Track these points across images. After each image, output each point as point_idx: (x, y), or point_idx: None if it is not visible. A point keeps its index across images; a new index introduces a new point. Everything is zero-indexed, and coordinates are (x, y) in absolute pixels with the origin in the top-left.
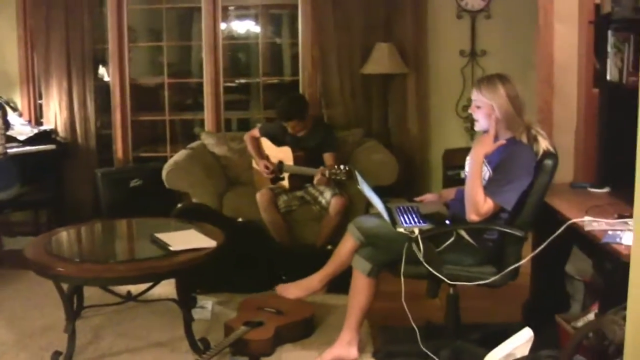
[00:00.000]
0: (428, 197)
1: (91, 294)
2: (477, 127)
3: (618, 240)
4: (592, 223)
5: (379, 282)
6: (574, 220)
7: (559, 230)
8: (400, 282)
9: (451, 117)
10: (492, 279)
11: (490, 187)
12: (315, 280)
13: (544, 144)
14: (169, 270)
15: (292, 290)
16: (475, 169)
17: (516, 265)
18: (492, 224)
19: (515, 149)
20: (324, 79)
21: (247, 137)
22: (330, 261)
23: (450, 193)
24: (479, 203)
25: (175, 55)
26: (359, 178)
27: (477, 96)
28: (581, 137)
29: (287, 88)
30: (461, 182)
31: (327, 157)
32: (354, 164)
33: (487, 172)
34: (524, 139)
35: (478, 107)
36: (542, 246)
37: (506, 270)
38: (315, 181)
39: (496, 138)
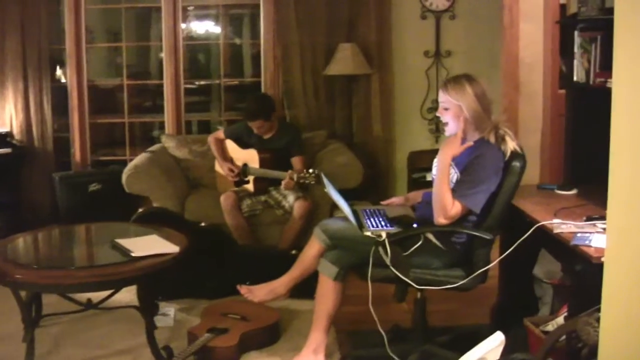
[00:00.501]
0: (394, 200)
1: (50, 301)
2: (448, 131)
3: (587, 242)
4: (560, 225)
5: (345, 286)
6: (543, 222)
7: (528, 233)
8: (368, 286)
9: (416, 118)
10: (461, 282)
11: (458, 190)
12: (280, 284)
13: (511, 145)
14: (130, 277)
15: (256, 294)
16: (443, 172)
17: (485, 268)
18: (460, 227)
19: (483, 150)
20: (287, 80)
21: (211, 138)
22: (296, 265)
23: (417, 196)
24: (447, 206)
25: (134, 56)
26: (326, 181)
27: (444, 97)
28: (547, 138)
29: (248, 89)
30: (427, 184)
31: (296, 161)
32: (318, 167)
33: (454, 174)
34: (492, 139)
35: (446, 109)
36: (511, 249)
37: (475, 274)
38: (283, 185)
39: (464, 139)
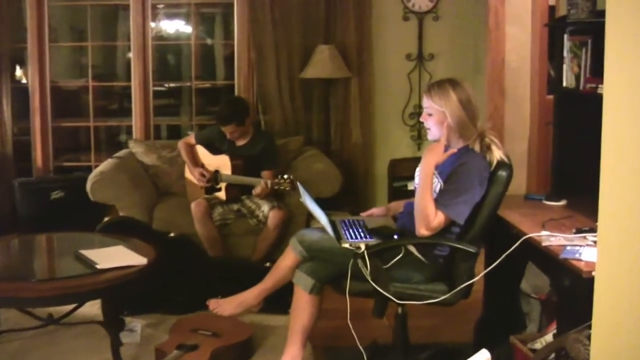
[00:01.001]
0: (375, 211)
1: (8, 316)
2: (430, 136)
3: (577, 255)
4: (549, 238)
5: (322, 300)
6: (530, 235)
7: (514, 246)
8: (346, 300)
9: (397, 125)
10: (443, 297)
11: (441, 200)
12: (250, 295)
13: (497, 154)
14: (94, 290)
15: (225, 307)
16: (426, 181)
17: (468, 282)
18: (443, 239)
19: (467, 158)
20: (261, 83)
21: (181, 144)
22: (269, 276)
23: (399, 206)
24: (429, 217)
25: (100, 56)
26: (302, 190)
27: (427, 103)
28: (535, 146)
29: (220, 93)
30: (408, 194)
31: (266, 175)
32: (294, 174)
33: (437, 183)
34: (477, 147)
35: (429, 115)
36: (496, 262)
37: (458, 289)
38: (255, 191)
39: (448, 147)
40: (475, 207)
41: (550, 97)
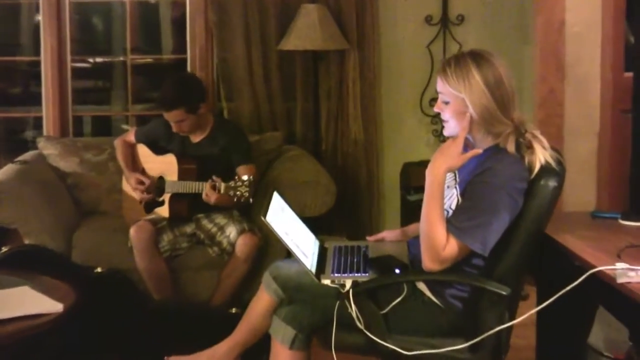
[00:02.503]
0: (387, 235)
1: None
2: (447, 131)
3: None
4: (627, 272)
5: (309, 356)
6: (600, 268)
7: (575, 283)
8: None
9: (413, 115)
10: (465, 357)
11: (454, 221)
12: (220, 352)
13: (541, 155)
14: None
15: None
16: (433, 194)
17: (489, 333)
18: (459, 275)
19: (493, 162)
20: (224, 57)
21: (118, 142)
22: (241, 326)
23: (418, 229)
24: (437, 245)
25: None
26: (276, 204)
27: (442, 87)
28: (607, 145)
29: (167, 70)
30: None
31: (243, 171)
32: (272, 185)
33: (455, 197)
34: (511, 147)
35: (445, 103)
36: (545, 304)
37: (475, 340)
38: (204, 195)
39: (469, 146)
40: (508, 229)
41: (629, 74)
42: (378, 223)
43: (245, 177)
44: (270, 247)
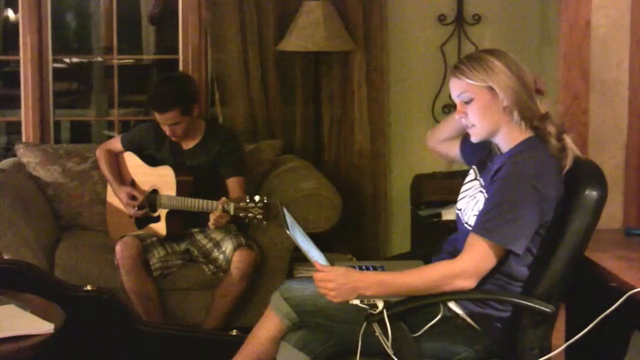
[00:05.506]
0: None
1: None
2: (476, 136)
3: None
4: None
5: None
6: (637, 289)
7: (614, 307)
8: None
9: (424, 122)
10: None
11: (480, 223)
12: None
13: (572, 151)
14: None
15: None
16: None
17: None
18: (501, 294)
19: (516, 158)
20: (219, 59)
21: (100, 152)
22: (243, 352)
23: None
24: (449, 274)
25: None
26: (288, 219)
27: (461, 85)
28: (636, 156)
29: (155, 72)
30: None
31: (233, 185)
32: (275, 197)
33: (480, 193)
34: (551, 128)
35: (468, 103)
36: (585, 331)
37: None
38: (211, 222)
39: (494, 153)
40: (548, 245)
41: None
42: (386, 241)
43: (257, 198)
44: (267, 265)
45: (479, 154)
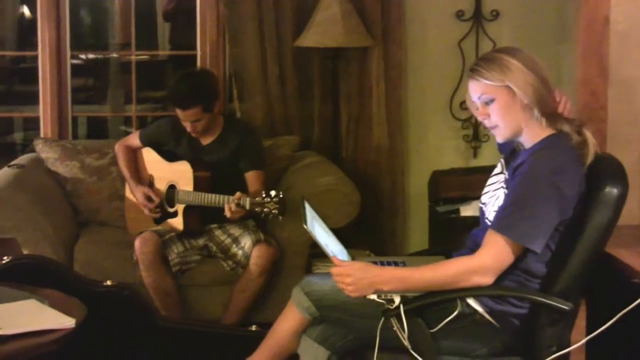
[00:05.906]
0: None
1: None
2: (501, 136)
3: None
4: None
5: None
6: None
7: (635, 303)
8: None
9: (442, 119)
10: None
11: (497, 219)
12: None
13: (593, 145)
14: None
15: None
16: (405, 284)
17: (557, 354)
18: (519, 291)
19: (536, 155)
20: (236, 55)
21: (119, 147)
22: (264, 346)
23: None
24: (466, 270)
25: None
26: (309, 212)
27: (480, 86)
28: None
29: (173, 68)
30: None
31: (252, 179)
32: (294, 192)
33: (502, 189)
34: (566, 128)
35: (488, 103)
36: (606, 326)
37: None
38: (226, 211)
39: (517, 149)
40: (568, 243)
41: None
42: (403, 238)
43: (273, 193)
44: (285, 261)
45: (510, 144)
